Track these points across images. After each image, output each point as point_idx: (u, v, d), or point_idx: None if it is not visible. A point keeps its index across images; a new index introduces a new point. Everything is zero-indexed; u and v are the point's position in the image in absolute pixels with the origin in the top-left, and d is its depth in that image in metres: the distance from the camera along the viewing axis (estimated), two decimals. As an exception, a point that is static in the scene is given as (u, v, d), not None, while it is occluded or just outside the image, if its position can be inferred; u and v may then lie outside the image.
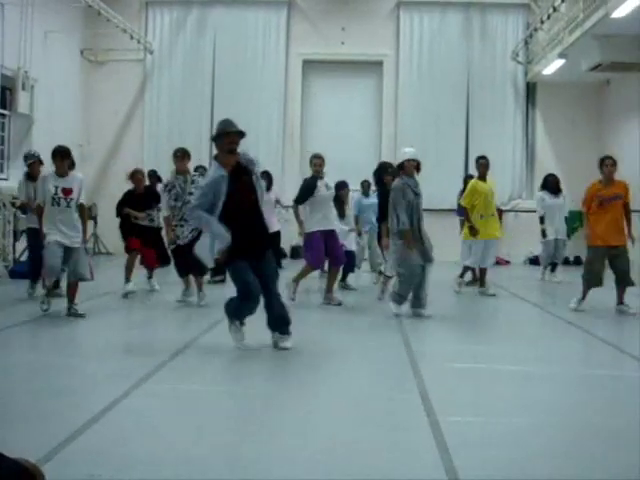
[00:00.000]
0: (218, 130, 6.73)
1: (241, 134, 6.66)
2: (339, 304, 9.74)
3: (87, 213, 9.08)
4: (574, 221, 17.44)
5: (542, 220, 13.23)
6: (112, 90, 18.14)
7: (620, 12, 11.68)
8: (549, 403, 5.34)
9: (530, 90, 18.52)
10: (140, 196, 10.94)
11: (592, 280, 9.47)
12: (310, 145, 18.20)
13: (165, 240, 10.16)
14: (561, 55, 14.93)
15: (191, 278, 9.78)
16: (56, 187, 8.33)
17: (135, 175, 11.13)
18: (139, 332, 8.02)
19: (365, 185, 13.70)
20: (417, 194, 8.91)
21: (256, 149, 17.27)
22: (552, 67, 15.91)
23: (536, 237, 14.60)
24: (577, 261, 17.35)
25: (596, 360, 6.90)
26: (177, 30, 18.49)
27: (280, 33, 18.33)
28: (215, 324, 8.13)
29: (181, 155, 9.76)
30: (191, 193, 9.18)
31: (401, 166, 9.00)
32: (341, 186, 11.30)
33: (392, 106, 18.37)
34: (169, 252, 10.16)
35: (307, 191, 9.90)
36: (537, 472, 3.90)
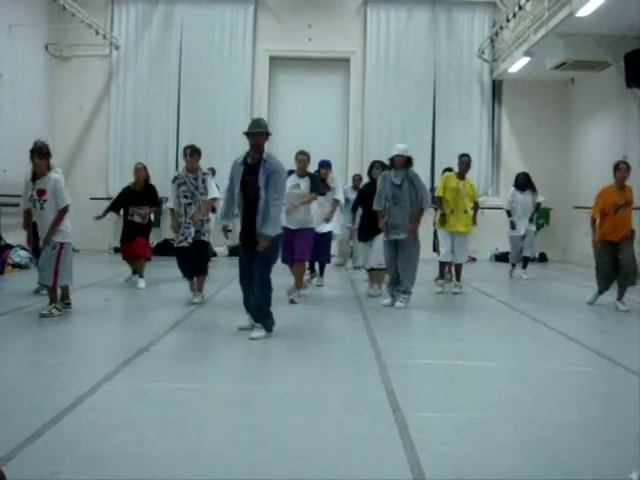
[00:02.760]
0: (249, 128, 7.46)
1: (262, 134, 7.42)
2: (292, 302, 9.79)
3: (62, 214, 8.67)
4: (540, 218, 17.64)
5: (509, 214, 13.67)
6: (77, 86, 17.96)
7: (584, 11, 11.79)
8: (514, 399, 5.39)
9: (496, 88, 18.64)
10: (139, 193, 11.13)
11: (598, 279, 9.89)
12: (277, 141, 18.15)
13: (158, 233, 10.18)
14: (526, 53, 15.06)
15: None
16: (33, 188, 8.23)
17: (135, 167, 11.34)
18: (104, 330, 7.96)
19: (356, 179, 14.19)
20: (396, 185, 9.62)
21: (222, 144, 17.32)
22: (518, 65, 16.04)
23: (502, 234, 14.74)
24: (542, 258, 17.55)
25: (561, 356, 6.96)
26: (143, 26, 18.32)
27: (247, 29, 18.24)
28: (179, 322, 8.12)
29: (190, 152, 9.49)
30: (203, 193, 9.39)
31: (392, 160, 9.75)
32: (320, 165, 11.58)
33: (359, 103, 18.40)
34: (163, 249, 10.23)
35: None
36: (502, 467, 3.93)
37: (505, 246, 15.51)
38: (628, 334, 8.15)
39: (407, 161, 9.70)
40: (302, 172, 10.07)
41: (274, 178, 7.22)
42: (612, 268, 9.74)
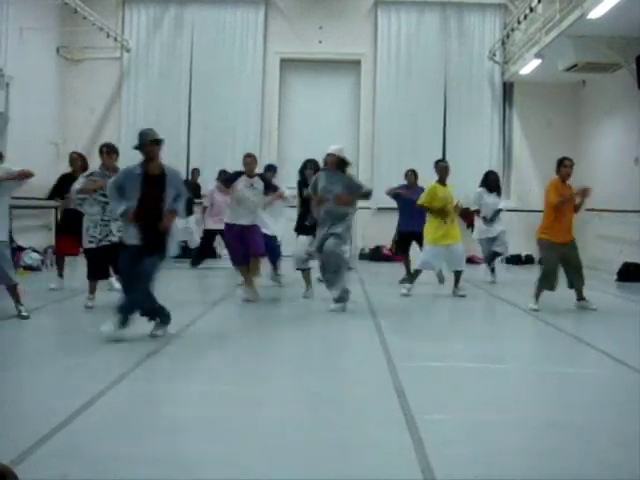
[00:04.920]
0: (138, 141, 7.28)
1: (157, 142, 7.28)
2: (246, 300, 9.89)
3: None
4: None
5: (479, 212, 13.07)
6: (88, 88, 18.00)
7: (596, 13, 11.75)
8: (524, 401, 5.39)
9: (507, 90, 18.57)
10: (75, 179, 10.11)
11: (549, 280, 9.63)
12: (288, 143, 18.23)
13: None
14: (537, 55, 15.01)
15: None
16: None
17: (70, 156, 10.73)
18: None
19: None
20: (329, 191, 9.24)
21: (233, 147, 17.31)
22: (529, 67, 15.99)
23: (512, 235, 14.64)
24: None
25: (571, 358, 6.95)
26: (154, 28, 18.36)
27: (257, 32, 18.27)
28: (189, 325, 8.13)
29: (107, 150, 9.29)
30: None
31: (325, 162, 9.48)
32: (267, 169, 11.77)
33: (369, 105, 18.39)
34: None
35: (226, 180, 10.61)
36: (513, 469, 3.93)
37: (516, 248, 15.53)
38: (637, 335, 8.10)
39: (341, 163, 9.34)
40: (251, 173, 10.26)
41: (181, 188, 7.40)
42: (558, 269, 9.72)
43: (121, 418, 4.67)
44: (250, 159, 10.33)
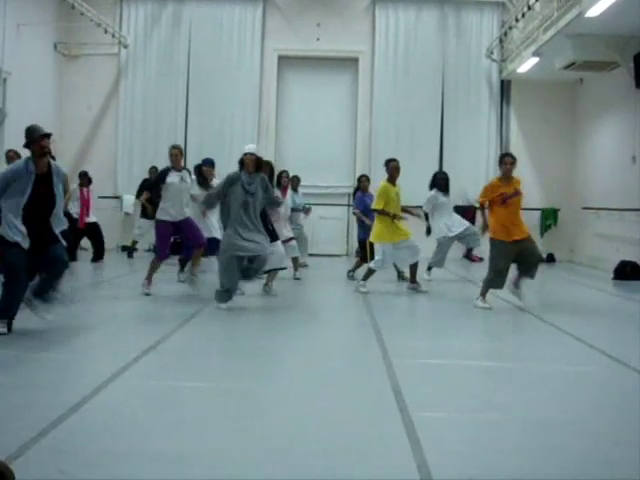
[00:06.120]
0: (28, 137, 7.10)
1: (48, 135, 7.14)
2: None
3: None
4: (547, 218, 17.65)
5: (427, 217, 12.79)
6: (86, 84, 17.98)
7: (594, 11, 11.76)
8: (521, 399, 5.37)
9: (505, 88, 18.57)
10: None
11: (499, 280, 9.53)
12: (285, 141, 18.23)
13: None
14: (535, 53, 15.02)
15: None
16: None
17: (6, 154, 10.71)
18: (109, 328, 7.97)
19: (294, 180, 13.46)
20: (250, 192, 8.89)
21: (230, 144, 17.32)
22: (526, 65, 16.00)
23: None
24: (550, 259, 17.49)
25: (568, 357, 6.94)
26: (152, 24, 18.35)
27: (255, 28, 18.26)
28: (186, 321, 8.12)
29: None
30: None
31: (242, 161, 9.04)
32: (203, 163, 11.48)
33: (367, 102, 18.38)
34: None
35: (155, 182, 10.36)
36: (510, 467, 3.91)
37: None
38: (635, 334, 8.10)
39: (258, 163, 9.01)
40: (178, 166, 10.10)
41: (65, 184, 7.28)
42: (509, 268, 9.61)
43: (117, 415, 4.66)
44: (176, 151, 10.11)
